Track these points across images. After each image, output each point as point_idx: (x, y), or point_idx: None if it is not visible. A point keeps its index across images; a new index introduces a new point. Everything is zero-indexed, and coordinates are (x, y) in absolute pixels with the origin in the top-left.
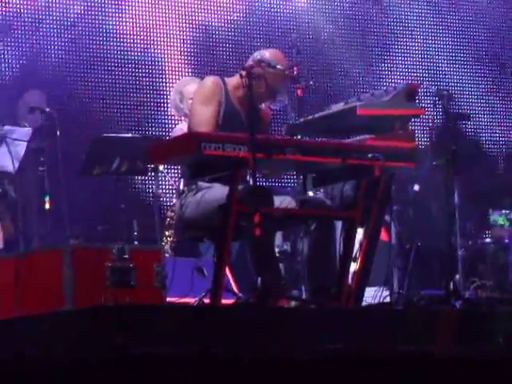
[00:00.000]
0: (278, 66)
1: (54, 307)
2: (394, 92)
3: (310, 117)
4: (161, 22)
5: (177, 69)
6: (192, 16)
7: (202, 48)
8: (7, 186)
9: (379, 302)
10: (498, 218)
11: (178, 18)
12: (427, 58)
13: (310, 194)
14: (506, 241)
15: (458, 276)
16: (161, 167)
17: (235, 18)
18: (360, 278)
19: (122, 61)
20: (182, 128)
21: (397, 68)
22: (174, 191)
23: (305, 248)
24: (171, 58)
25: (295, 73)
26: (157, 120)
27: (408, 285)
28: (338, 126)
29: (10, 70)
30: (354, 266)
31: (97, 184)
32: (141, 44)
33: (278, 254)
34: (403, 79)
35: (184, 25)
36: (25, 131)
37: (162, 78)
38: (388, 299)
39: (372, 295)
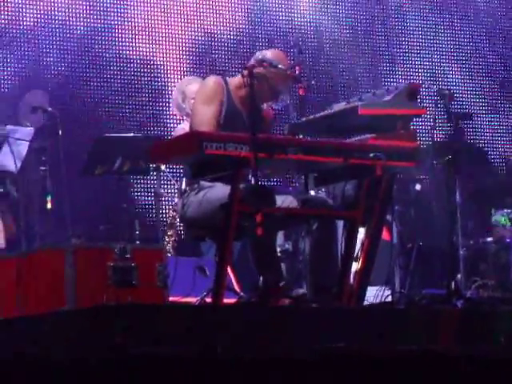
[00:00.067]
0: (280, 66)
1: (55, 307)
2: (396, 91)
3: (312, 116)
4: (162, 22)
5: (178, 69)
6: (194, 16)
7: (204, 48)
8: (9, 186)
9: (381, 301)
10: (500, 217)
11: (180, 18)
12: (429, 57)
13: (312, 193)
14: (508, 240)
15: (459, 275)
16: (163, 167)
17: (237, 17)
18: (362, 278)
19: (124, 60)
20: (183, 127)
21: (398, 67)
22: (175, 191)
23: (306, 247)
24: (173, 58)
25: (297, 72)
26: (159, 119)
27: (410, 284)
28: (339, 125)
29: (12, 70)
30: (355, 266)
31: (99, 184)
32: (142, 44)
33: (279, 254)
34: (405, 79)
35: (186, 25)
36: (27, 131)
37: (163, 77)
38: (390, 298)
39: (374, 294)
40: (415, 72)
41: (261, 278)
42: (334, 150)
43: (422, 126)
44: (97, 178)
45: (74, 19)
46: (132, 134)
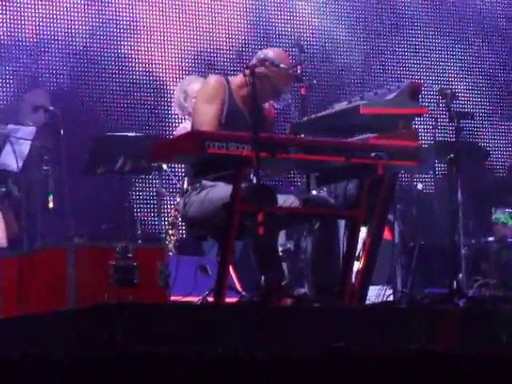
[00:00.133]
0: (282, 65)
1: (57, 306)
2: (398, 91)
3: (314, 116)
4: (164, 22)
5: (180, 68)
6: (195, 15)
7: (206, 47)
8: (11, 185)
9: (382, 300)
10: (500, 215)
11: (181, 17)
12: (431, 56)
13: (314, 192)
14: (510, 239)
15: (461, 274)
16: (164, 166)
17: (238, 16)
18: (363, 277)
19: (126, 59)
20: (185, 127)
21: (400, 66)
22: (177, 190)
23: (308, 247)
24: (175, 57)
25: (299, 72)
26: (161, 119)
27: (411, 283)
28: (341, 124)
29: (14, 69)
30: (357, 265)
31: (100, 183)
32: (143, 43)
33: (281, 253)
34: (406, 78)
35: (187, 24)
36: (29, 130)
37: (165, 76)
38: (391, 298)
39: (375, 294)
40: (417, 71)
41: (262, 278)
42: (336, 150)
43: (423, 125)
44: (98, 177)
45: (75, 19)
46: (134, 134)
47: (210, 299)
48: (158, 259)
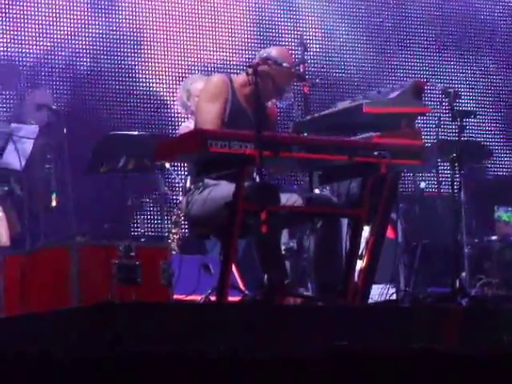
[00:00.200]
0: (285, 64)
1: (60, 305)
2: (401, 90)
3: (317, 114)
4: (167, 20)
5: (183, 67)
6: (197, 14)
7: (209, 45)
8: (13, 184)
9: (385, 299)
10: (502, 214)
11: (184, 16)
12: (434, 55)
13: (317, 191)
14: None
15: (464, 273)
16: (167, 165)
17: (241, 15)
18: (366, 276)
19: (129, 58)
20: (188, 126)
21: (403, 66)
22: (180, 189)
23: (311, 245)
24: (177, 56)
25: (301, 70)
26: (163, 118)
27: (414, 282)
28: (344, 123)
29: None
30: (360, 264)
31: (103, 182)
32: (146, 41)
33: (284, 252)
34: (410, 77)
35: (190, 22)
36: (31, 129)
37: (168, 75)
38: (394, 297)
39: (378, 293)
40: (420, 70)
41: (265, 276)
42: (339, 148)
43: (426, 124)
44: (101, 175)
45: (78, 18)
46: (137, 132)
47: (213, 298)
48: (160, 258)
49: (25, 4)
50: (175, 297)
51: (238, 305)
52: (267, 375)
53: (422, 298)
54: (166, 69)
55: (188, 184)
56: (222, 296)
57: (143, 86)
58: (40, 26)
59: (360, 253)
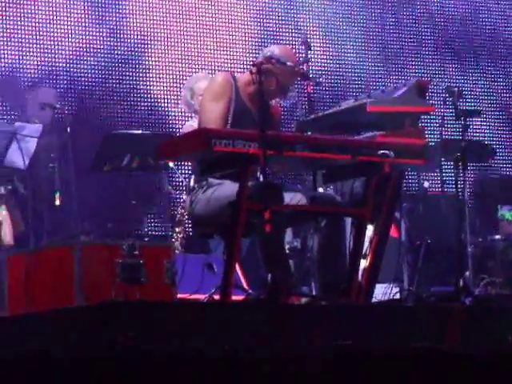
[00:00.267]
0: (288, 63)
1: (64, 304)
2: (405, 88)
3: (320, 113)
4: (170, 19)
5: (187, 65)
6: (200, 13)
7: (212, 44)
8: (17, 183)
9: (389, 298)
10: (506, 213)
11: (186, 15)
12: (437, 54)
13: (320, 190)
14: None
15: (467, 273)
16: (171, 164)
17: (245, 14)
18: (370, 275)
19: (132, 58)
20: (192, 124)
21: (406, 65)
22: (184, 188)
23: (315, 244)
24: (181, 55)
25: (305, 69)
26: (167, 117)
27: (418, 281)
28: (347, 122)
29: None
30: (363, 263)
31: (107, 180)
32: (149, 40)
33: (288, 251)
34: (413, 76)
35: (193, 21)
36: (35, 127)
37: (172, 74)
38: (398, 296)
39: (382, 292)
40: (423, 69)
41: (269, 276)
42: (343, 148)
43: (430, 123)
44: (105, 174)
45: (82, 18)
46: (140, 131)
47: (217, 297)
48: (164, 257)
49: (24, 3)
50: (179, 296)
51: (241, 304)
52: (270, 375)
53: (425, 297)
54: (168, 68)
55: (192, 183)
56: (226, 295)
57: (146, 85)
58: (40, 27)
59: (364, 252)
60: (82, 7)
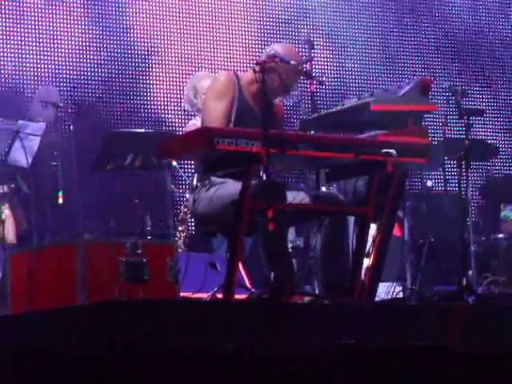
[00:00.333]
0: (292, 62)
1: (66, 302)
2: (408, 87)
3: (323, 112)
4: (173, 18)
5: (190, 64)
6: (204, 12)
7: (215, 43)
8: (20, 181)
9: (392, 297)
10: (509, 213)
11: (189, 14)
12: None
13: (323, 189)
14: None
15: (470, 271)
16: (174, 162)
17: (248, 13)
18: (373, 274)
19: (135, 57)
20: (195, 123)
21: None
22: (187, 186)
23: (318, 243)
24: (184, 54)
25: (308, 68)
26: (170, 115)
27: (421, 280)
28: (351, 121)
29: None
30: (366, 262)
31: (110, 179)
32: (152, 38)
33: (290, 250)
34: (416, 75)
35: (196, 20)
36: (38, 126)
37: (175, 73)
38: (401, 295)
39: (385, 291)
40: (426, 68)
41: (272, 274)
42: (346, 146)
43: (433, 122)
44: (108, 173)
45: (83, 17)
46: (143, 130)
47: (219, 296)
48: (167, 255)
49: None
50: (182, 294)
51: (244, 303)
52: (273, 374)
53: (428, 296)
54: (171, 67)
55: (194, 182)
56: (229, 294)
57: (151, 84)
58: (40, 25)
59: (367, 251)
60: (83, 6)
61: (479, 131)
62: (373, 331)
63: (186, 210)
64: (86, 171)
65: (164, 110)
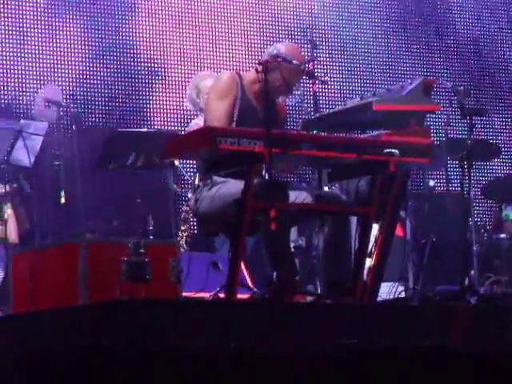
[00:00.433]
0: (294, 61)
1: (69, 302)
2: (410, 87)
3: (326, 112)
4: (175, 17)
5: (192, 64)
6: (207, 11)
7: (217, 42)
8: (22, 181)
9: (394, 297)
10: (510, 213)
11: (192, 14)
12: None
13: (326, 189)
14: None
15: (473, 271)
16: (176, 162)
17: (250, 12)
18: (375, 274)
19: (137, 56)
20: (197, 123)
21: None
22: (189, 186)
23: (320, 243)
24: (186, 53)
25: (311, 68)
26: (173, 115)
27: (423, 280)
28: (353, 121)
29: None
30: (369, 262)
31: (112, 179)
32: (156, 37)
33: (293, 249)
34: (419, 75)
35: (200, 19)
36: (41, 125)
37: (177, 73)
38: (403, 295)
39: (387, 291)
40: (429, 68)
41: (274, 274)
42: (348, 146)
43: (435, 122)
44: (110, 172)
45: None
46: (145, 129)
47: (222, 295)
48: (169, 255)
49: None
50: (184, 294)
51: (246, 302)
52: (275, 373)
53: (430, 296)
54: (173, 67)
55: (197, 181)
56: (231, 293)
57: (152, 83)
58: (41, 24)
59: (369, 251)
60: (85, 6)
61: (482, 131)
62: (375, 331)
63: (188, 209)
64: (88, 171)
65: (166, 109)
